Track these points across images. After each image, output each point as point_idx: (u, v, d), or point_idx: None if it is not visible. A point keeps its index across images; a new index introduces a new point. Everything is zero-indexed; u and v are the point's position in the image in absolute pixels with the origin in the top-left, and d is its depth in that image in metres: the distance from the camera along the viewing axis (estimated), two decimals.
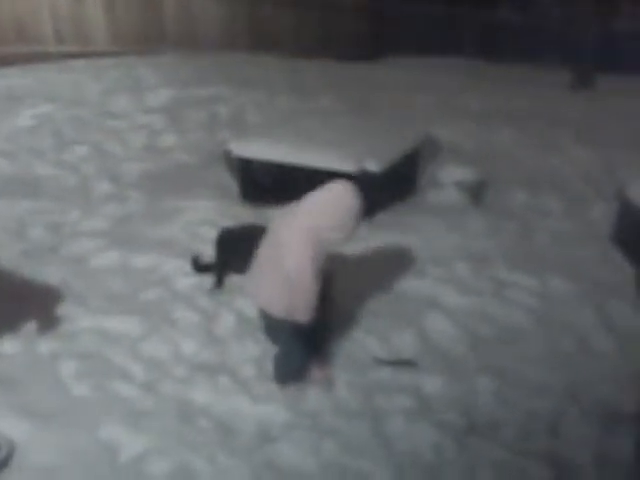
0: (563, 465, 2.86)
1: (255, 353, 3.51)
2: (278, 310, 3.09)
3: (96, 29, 10.88)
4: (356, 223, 3.00)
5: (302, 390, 3.24)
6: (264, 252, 3.14)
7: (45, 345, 3.54)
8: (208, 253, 4.31)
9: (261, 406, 3.14)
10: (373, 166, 5.01)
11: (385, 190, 5.24)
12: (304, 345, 3.20)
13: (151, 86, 8.69)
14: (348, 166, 4.94)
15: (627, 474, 2.76)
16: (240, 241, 3.73)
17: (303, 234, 2.95)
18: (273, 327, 3.21)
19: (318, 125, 6.21)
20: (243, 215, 4.98)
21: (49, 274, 4.23)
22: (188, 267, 4.31)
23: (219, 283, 4.14)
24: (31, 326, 3.67)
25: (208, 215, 5.13)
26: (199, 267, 4.28)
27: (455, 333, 3.75)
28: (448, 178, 5.73)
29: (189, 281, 4.24)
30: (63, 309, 3.89)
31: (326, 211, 2.96)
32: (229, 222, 4.98)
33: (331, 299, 3.68)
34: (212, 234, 4.80)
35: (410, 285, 4.22)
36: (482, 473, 2.79)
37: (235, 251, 3.89)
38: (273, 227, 3.13)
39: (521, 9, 13.33)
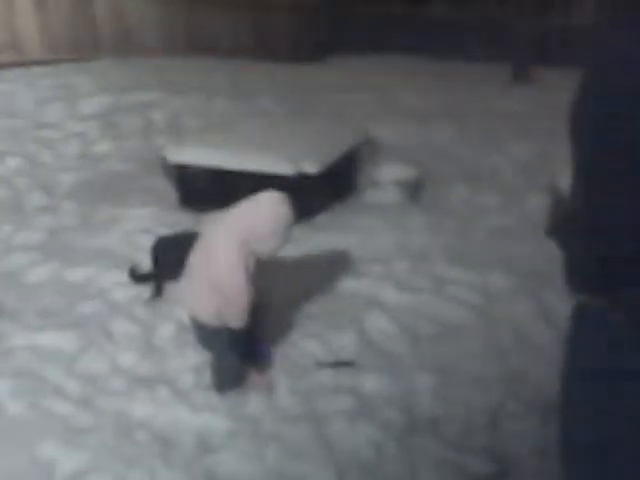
0: (504, 459, 2.89)
1: (195, 362, 3.46)
2: (208, 317, 3.08)
3: (28, 37, 10.61)
4: (286, 233, 3.02)
5: (242, 397, 3.21)
6: (193, 259, 3.13)
7: None
8: (146, 263, 4.24)
9: (201, 415, 3.10)
10: (310, 167, 5.01)
11: (323, 191, 5.24)
12: (240, 351, 3.17)
13: (85, 94, 8.53)
14: (285, 168, 4.93)
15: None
16: (176, 249, 3.69)
17: (232, 242, 2.95)
18: (206, 335, 3.18)
19: (256, 128, 6.19)
20: (182, 222, 4.92)
21: None
22: (126, 278, 4.23)
23: (157, 293, 4.08)
24: None
25: (146, 223, 5.06)
26: (137, 277, 4.21)
27: (395, 331, 3.76)
28: (386, 177, 5.76)
29: (127, 292, 4.16)
30: None
31: (255, 222, 2.97)
32: (167, 230, 4.93)
33: (267, 303, 3.66)
34: (150, 242, 4.75)
35: (349, 285, 4.23)
36: (423, 471, 2.80)
37: (171, 259, 3.84)
38: (203, 233, 3.11)
39: (457, 6, 13.48)
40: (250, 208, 3.03)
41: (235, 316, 3.03)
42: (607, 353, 1.50)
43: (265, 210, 3.00)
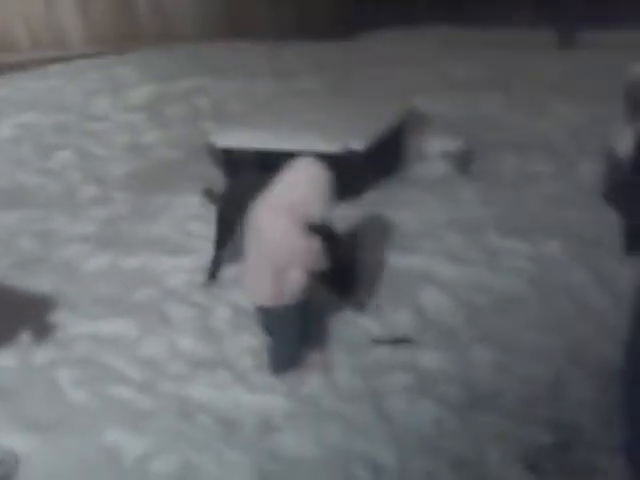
0: (566, 429, 2.85)
1: (252, 344, 3.49)
2: (265, 299, 3.10)
3: (70, 32, 10.77)
4: (329, 193, 3.01)
5: (301, 377, 3.22)
6: (249, 242, 3.13)
7: (41, 354, 3.54)
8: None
9: (261, 397, 3.13)
10: (357, 144, 4.96)
11: (371, 167, 5.19)
12: (297, 332, 3.18)
13: (130, 84, 8.60)
14: (332, 146, 4.90)
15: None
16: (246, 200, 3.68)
17: (276, 214, 2.98)
18: (266, 317, 3.20)
19: (300, 108, 6.15)
20: None
21: (40, 283, 4.21)
22: (179, 263, 4.30)
23: (213, 275, 4.11)
24: (26, 336, 3.65)
25: (195, 210, 5.10)
26: (211, 197, 4.23)
27: (450, 305, 3.73)
28: (434, 149, 5.68)
29: (182, 277, 4.22)
30: (57, 317, 3.87)
31: (294, 188, 2.98)
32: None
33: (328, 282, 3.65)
34: (201, 228, 4.80)
35: (403, 260, 4.19)
36: (485, 444, 2.78)
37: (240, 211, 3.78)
38: (252, 215, 3.11)
39: None
40: (286, 178, 3.04)
41: (291, 291, 3.07)
42: None
43: (300, 175, 3.01)
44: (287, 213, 2.97)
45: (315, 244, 3.03)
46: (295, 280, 3.05)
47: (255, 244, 3.07)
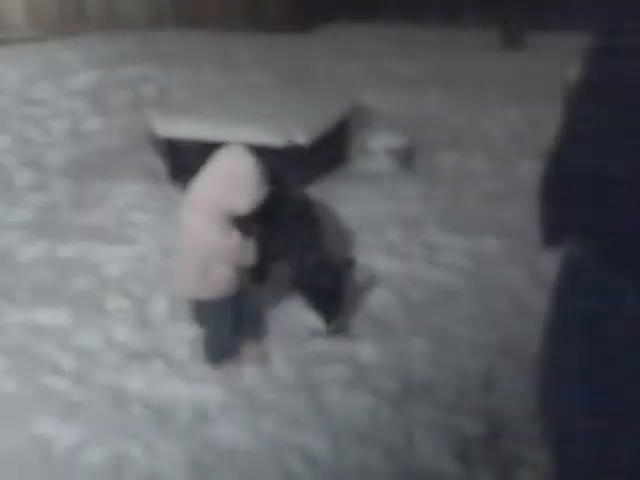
0: (498, 421, 2.91)
1: (189, 335, 3.45)
2: (188, 291, 3.09)
3: (12, 14, 10.49)
4: (254, 187, 2.94)
5: (237, 368, 3.22)
6: (179, 239, 3.12)
7: None
8: None
9: (196, 388, 3.12)
10: (301, 138, 4.97)
11: (314, 161, 5.21)
12: (229, 324, 3.18)
13: (73, 70, 8.42)
14: (276, 139, 4.90)
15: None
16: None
17: (198, 206, 2.95)
18: (197, 309, 3.19)
19: (245, 99, 6.13)
20: (172, 197, 4.88)
21: None
22: (117, 253, 4.25)
23: None
24: None
25: (136, 199, 5.04)
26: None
27: (388, 299, 3.77)
28: (378, 145, 5.71)
29: (119, 268, 4.16)
30: None
31: (219, 177, 2.94)
32: (158, 205, 4.93)
33: (264, 275, 3.67)
34: (142, 218, 4.75)
35: (342, 254, 4.21)
36: (418, 434, 2.82)
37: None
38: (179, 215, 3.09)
39: None
40: (208, 171, 2.98)
41: (216, 285, 3.05)
42: (591, 301, 1.51)
43: (221, 167, 2.96)
44: (206, 208, 2.92)
45: (235, 241, 2.98)
46: (220, 276, 3.03)
47: (182, 240, 3.05)
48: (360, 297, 3.74)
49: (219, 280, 3.04)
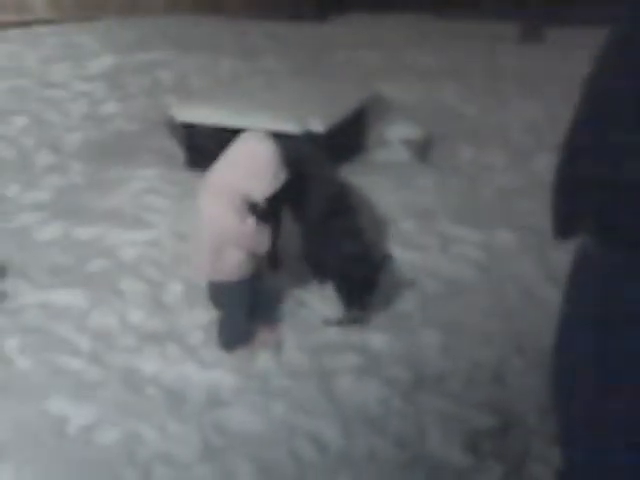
0: (508, 414, 2.93)
1: (204, 320, 3.49)
2: (203, 273, 3.13)
3: None
4: (273, 174, 2.94)
5: (251, 354, 3.25)
6: (196, 223, 3.14)
7: None
8: None
9: (210, 372, 3.14)
10: (317, 126, 4.97)
11: (331, 150, 5.21)
12: (244, 308, 3.20)
13: (91, 53, 8.48)
14: (293, 127, 4.90)
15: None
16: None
17: (214, 193, 2.96)
18: (213, 292, 3.21)
19: (263, 87, 6.15)
20: (188, 181, 4.91)
21: None
22: (133, 237, 4.27)
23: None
24: None
25: (153, 183, 5.07)
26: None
27: (402, 289, 3.78)
28: (394, 135, 5.72)
29: (136, 251, 4.19)
30: (6, 284, 3.82)
31: (233, 166, 2.94)
32: (174, 190, 4.95)
33: (276, 261, 3.69)
34: (158, 203, 4.78)
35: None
36: (429, 424, 2.84)
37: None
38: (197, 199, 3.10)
39: None
40: (228, 156, 2.99)
41: (230, 268, 3.07)
42: (605, 296, 1.52)
43: (241, 152, 2.96)
44: (223, 194, 2.93)
45: (249, 227, 2.97)
46: (234, 260, 3.04)
47: (199, 223, 3.07)
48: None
49: (233, 264, 3.06)
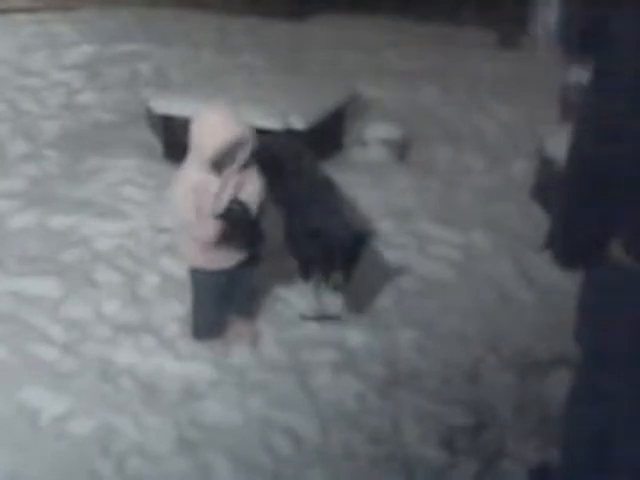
0: (483, 412, 2.95)
1: (180, 312, 3.46)
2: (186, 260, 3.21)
3: None
4: (228, 126, 2.86)
5: (227, 347, 3.24)
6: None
7: None
8: None
9: (186, 364, 3.13)
10: (298, 123, 4.97)
11: (310, 147, 5.20)
12: (216, 298, 3.21)
13: (69, 43, 8.38)
14: (273, 123, 4.89)
15: (543, 420, 2.88)
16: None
17: (178, 176, 2.99)
18: (190, 279, 3.23)
19: (243, 82, 6.11)
20: (165, 174, 4.87)
21: None
22: (109, 227, 4.24)
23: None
24: None
25: (130, 174, 5.01)
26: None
27: (379, 287, 3.79)
28: (373, 135, 5.72)
29: (110, 242, 4.15)
30: None
31: (195, 143, 2.91)
32: (152, 181, 4.91)
33: (256, 255, 3.66)
34: (134, 194, 4.74)
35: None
36: (404, 421, 2.85)
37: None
38: None
39: None
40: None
41: (193, 254, 3.11)
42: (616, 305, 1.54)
43: (202, 127, 2.88)
44: (182, 177, 2.97)
45: (191, 216, 2.94)
46: (189, 247, 3.10)
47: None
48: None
49: (191, 251, 3.10)
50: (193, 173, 2.94)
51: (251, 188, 3.06)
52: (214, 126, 2.85)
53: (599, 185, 1.51)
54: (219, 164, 2.91)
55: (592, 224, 1.60)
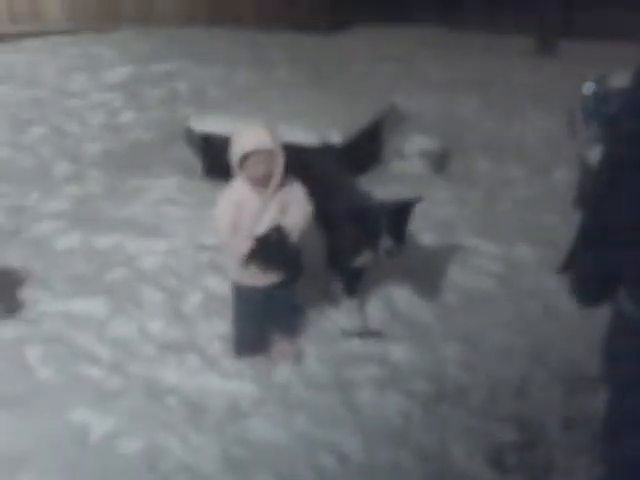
0: (531, 428, 2.91)
1: (223, 330, 3.48)
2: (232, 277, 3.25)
3: (50, 7, 10.60)
4: (261, 131, 2.90)
5: (271, 365, 3.24)
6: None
7: (9, 330, 3.50)
8: None
9: (230, 382, 3.14)
10: (335, 138, 4.99)
11: (348, 162, 5.21)
12: (258, 316, 3.22)
13: (108, 63, 8.53)
14: (310, 139, 4.91)
15: (594, 435, 2.82)
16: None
17: (224, 191, 3.04)
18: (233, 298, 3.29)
19: (280, 98, 6.16)
20: (205, 192, 4.92)
21: (11, 258, 4.15)
22: (152, 246, 4.29)
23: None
24: None
25: (171, 193, 5.08)
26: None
27: (421, 301, 3.77)
28: (412, 148, 5.72)
29: (154, 260, 4.20)
30: (27, 293, 3.83)
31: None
32: (192, 200, 4.96)
33: (297, 272, 3.66)
34: (176, 212, 4.79)
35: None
36: (451, 438, 2.83)
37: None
38: None
39: None
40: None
41: (232, 270, 3.15)
42: None
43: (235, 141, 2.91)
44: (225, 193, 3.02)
45: (226, 234, 2.97)
46: (230, 264, 3.13)
47: None
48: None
49: (232, 269, 3.13)
50: (236, 188, 2.97)
51: (297, 212, 3.04)
52: (240, 134, 2.89)
53: (610, 231, 1.52)
54: (257, 178, 2.91)
55: (604, 268, 1.60)
